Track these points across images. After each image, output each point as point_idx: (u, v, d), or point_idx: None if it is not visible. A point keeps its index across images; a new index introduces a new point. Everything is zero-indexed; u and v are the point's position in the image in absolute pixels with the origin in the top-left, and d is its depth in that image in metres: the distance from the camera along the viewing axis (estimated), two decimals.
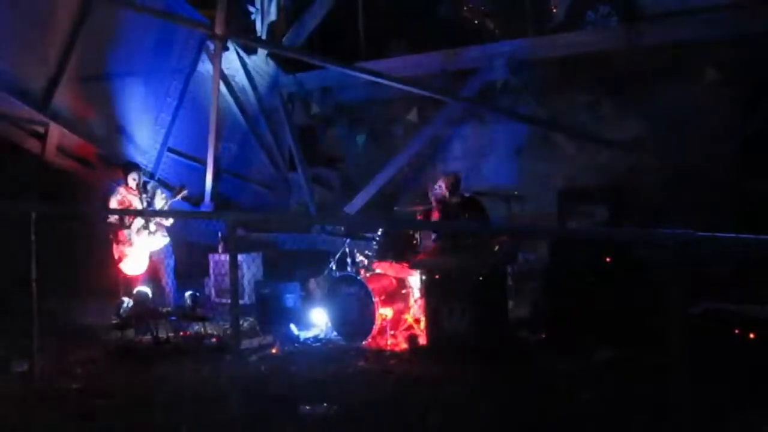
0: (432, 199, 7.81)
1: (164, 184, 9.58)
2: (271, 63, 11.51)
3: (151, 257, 8.39)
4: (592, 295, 6.59)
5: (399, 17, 11.78)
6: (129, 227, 8.21)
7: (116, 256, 8.25)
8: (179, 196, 8.62)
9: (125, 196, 8.31)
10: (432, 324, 7.06)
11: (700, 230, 3.49)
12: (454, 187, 7.72)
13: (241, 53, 11.01)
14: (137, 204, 8.28)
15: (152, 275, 8.42)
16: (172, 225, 8.62)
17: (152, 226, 8.29)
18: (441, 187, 7.74)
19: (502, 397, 5.50)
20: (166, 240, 8.49)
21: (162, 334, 7.52)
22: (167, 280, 8.51)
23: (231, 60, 10.82)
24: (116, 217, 8.29)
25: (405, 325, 7.70)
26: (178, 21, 10.01)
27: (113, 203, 8.28)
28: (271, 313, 8.19)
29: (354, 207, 10.71)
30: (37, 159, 9.09)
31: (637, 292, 6.32)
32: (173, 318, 7.91)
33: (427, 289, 7.22)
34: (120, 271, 8.29)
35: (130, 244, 8.21)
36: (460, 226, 7.57)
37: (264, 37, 11.70)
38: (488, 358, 6.42)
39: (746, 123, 8.55)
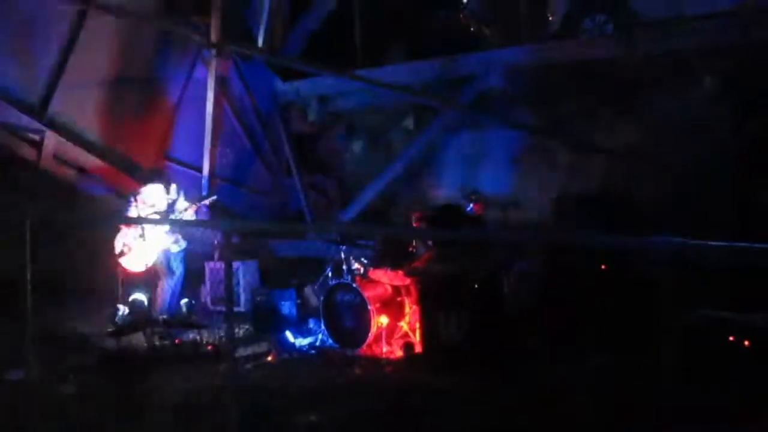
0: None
1: None
2: (268, 70, 11.52)
3: (161, 263, 8.30)
4: (588, 303, 6.59)
5: (396, 25, 11.80)
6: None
7: (117, 250, 8.18)
8: (207, 201, 8.59)
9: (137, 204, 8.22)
10: (428, 332, 7.05)
11: (698, 238, 3.48)
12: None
13: (238, 60, 11.02)
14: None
15: (153, 280, 8.34)
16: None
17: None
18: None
19: (498, 405, 5.50)
20: (184, 245, 8.43)
21: (157, 342, 7.50)
22: (173, 287, 8.43)
23: (227, 67, 10.83)
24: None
25: (401, 333, 7.69)
26: (173, 29, 10.02)
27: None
28: (267, 321, 8.19)
29: (350, 214, 10.71)
30: (32, 167, 9.09)
31: (633, 299, 6.31)
32: (169, 326, 7.90)
33: (423, 296, 7.21)
34: (118, 269, 8.17)
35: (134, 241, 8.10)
36: (455, 235, 7.57)
37: (261, 44, 11.71)
38: (484, 365, 6.41)
39: (744, 131, 8.56)
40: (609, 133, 9.43)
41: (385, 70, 10.90)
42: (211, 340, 7.74)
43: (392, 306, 7.70)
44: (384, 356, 7.31)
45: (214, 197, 8.76)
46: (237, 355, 6.93)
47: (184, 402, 5.77)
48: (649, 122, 8.99)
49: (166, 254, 8.37)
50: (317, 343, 7.87)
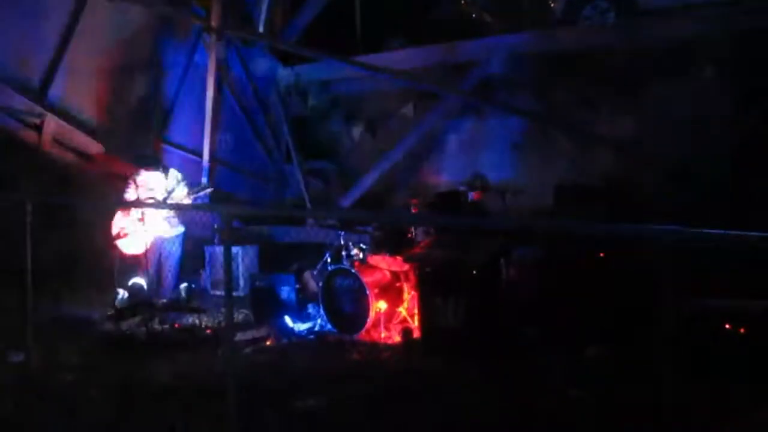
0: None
1: None
2: (269, 55, 11.49)
3: (157, 246, 8.32)
4: (586, 291, 6.60)
5: (397, 10, 11.76)
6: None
7: (114, 232, 8.16)
8: (203, 192, 8.61)
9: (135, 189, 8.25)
10: (426, 317, 7.08)
11: (698, 227, 3.47)
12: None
13: (238, 45, 10.98)
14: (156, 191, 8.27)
15: (151, 264, 8.36)
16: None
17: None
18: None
19: (494, 391, 5.53)
20: (181, 229, 8.45)
21: (156, 326, 7.53)
22: (169, 271, 8.46)
23: (228, 52, 10.80)
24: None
25: (399, 319, 7.72)
26: (174, 13, 9.98)
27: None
28: (266, 306, 8.22)
29: (349, 200, 10.71)
30: (32, 150, 9.07)
31: (630, 288, 6.33)
32: (168, 310, 7.93)
33: (421, 282, 7.24)
34: (116, 253, 8.18)
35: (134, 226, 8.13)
36: (454, 220, 7.58)
37: (261, 29, 11.66)
38: (481, 352, 6.44)
39: (745, 120, 8.54)
40: (610, 121, 9.41)
41: (385, 56, 10.85)
42: (210, 325, 7.78)
43: (391, 291, 7.73)
44: (382, 341, 7.36)
45: (210, 189, 8.76)
46: (236, 339, 6.97)
47: (183, 386, 5.80)
48: (650, 111, 8.97)
49: (164, 238, 8.39)
50: (316, 328, 7.91)
